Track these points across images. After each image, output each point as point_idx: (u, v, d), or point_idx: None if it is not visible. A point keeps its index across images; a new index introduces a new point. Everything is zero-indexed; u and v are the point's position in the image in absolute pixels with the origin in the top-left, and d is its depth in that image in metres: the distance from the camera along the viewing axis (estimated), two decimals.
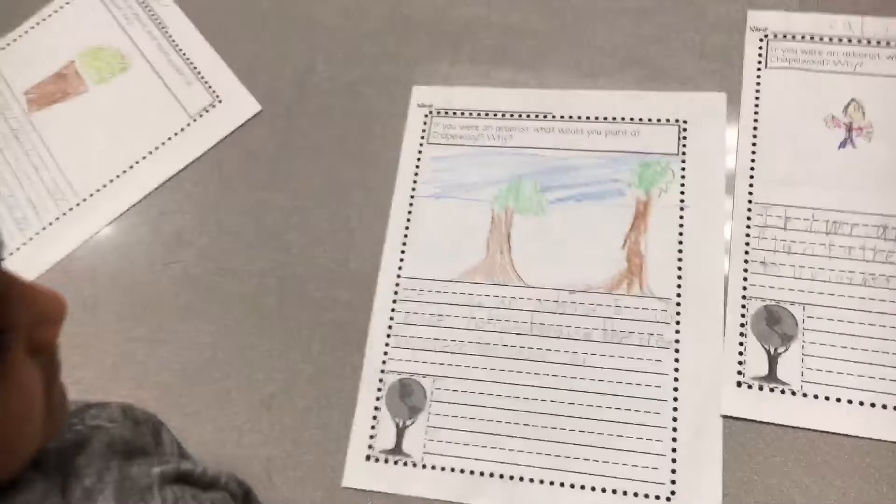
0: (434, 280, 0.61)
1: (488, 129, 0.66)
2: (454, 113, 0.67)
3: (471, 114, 0.66)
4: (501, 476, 0.54)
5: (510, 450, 0.55)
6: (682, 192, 0.61)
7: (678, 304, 0.57)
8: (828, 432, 0.53)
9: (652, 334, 0.57)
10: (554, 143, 0.64)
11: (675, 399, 0.55)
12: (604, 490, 0.53)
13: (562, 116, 0.65)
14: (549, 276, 0.60)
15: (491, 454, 0.55)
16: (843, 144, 0.60)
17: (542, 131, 0.65)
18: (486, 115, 0.66)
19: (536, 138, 0.65)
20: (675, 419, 0.54)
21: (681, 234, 0.60)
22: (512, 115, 0.66)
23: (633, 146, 0.63)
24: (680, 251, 0.59)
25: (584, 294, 0.59)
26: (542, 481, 0.54)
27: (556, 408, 0.56)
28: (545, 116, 0.65)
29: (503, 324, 0.59)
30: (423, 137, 0.66)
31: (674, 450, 0.53)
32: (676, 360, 0.56)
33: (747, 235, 0.59)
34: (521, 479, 0.54)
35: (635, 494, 0.53)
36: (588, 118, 0.65)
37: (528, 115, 0.66)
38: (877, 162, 0.59)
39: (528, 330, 0.58)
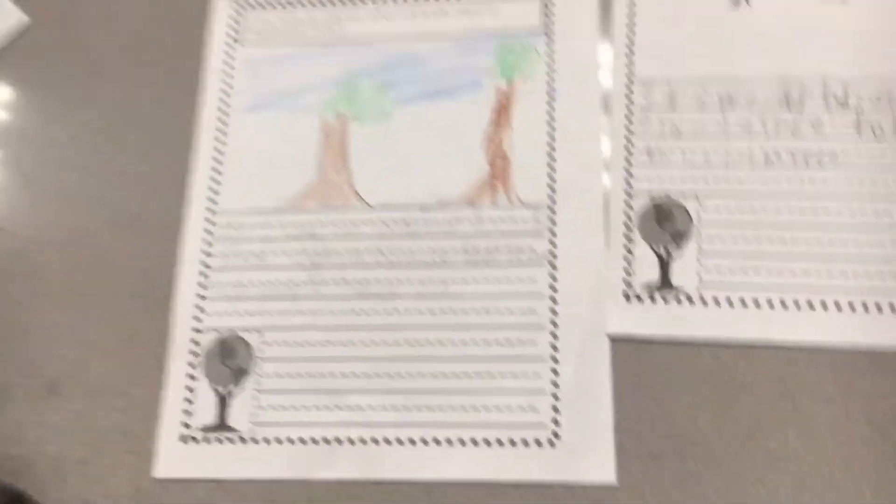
0: (256, 211, 0.49)
1: (313, 20, 0.54)
2: (269, 4, 0.54)
3: (290, 3, 0.54)
4: (353, 441, 0.44)
5: (361, 408, 0.45)
6: (551, 77, 0.50)
7: (551, 211, 0.47)
8: (734, 342, 0.44)
9: (522, 249, 0.47)
10: (394, 31, 0.53)
11: (554, 323, 0.45)
12: (476, 443, 0.44)
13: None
14: (396, 193, 0.49)
15: (338, 416, 0.45)
16: (736, 2, 0.50)
17: (380, 18, 0.53)
18: (310, 2, 0.54)
19: (373, 27, 0.53)
20: (554, 347, 0.45)
21: (551, 126, 0.49)
22: (342, 2, 0.54)
23: (489, 26, 0.52)
24: (551, 147, 0.49)
25: (440, 210, 0.48)
26: (402, 441, 0.44)
27: (414, 352, 0.46)
28: (383, 1, 0.53)
29: (343, 257, 0.48)
30: (233, 38, 0.54)
31: (555, 384, 0.44)
32: (553, 277, 0.46)
33: (628, 120, 0.49)
34: (378, 441, 0.44)
35: (512, 443, 0.43)
36: None
37: (363, 0, 0.54)
38: (776, 19, 0.50)
39: (374, 261, 0.48)
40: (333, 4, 0.54)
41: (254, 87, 0.52)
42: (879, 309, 0.43)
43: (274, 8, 0.54)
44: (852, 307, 0.43)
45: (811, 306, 0.44)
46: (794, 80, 0.48)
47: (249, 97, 0.52)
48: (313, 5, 0.54)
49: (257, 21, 0.54)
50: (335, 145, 0.50)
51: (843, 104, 0.47)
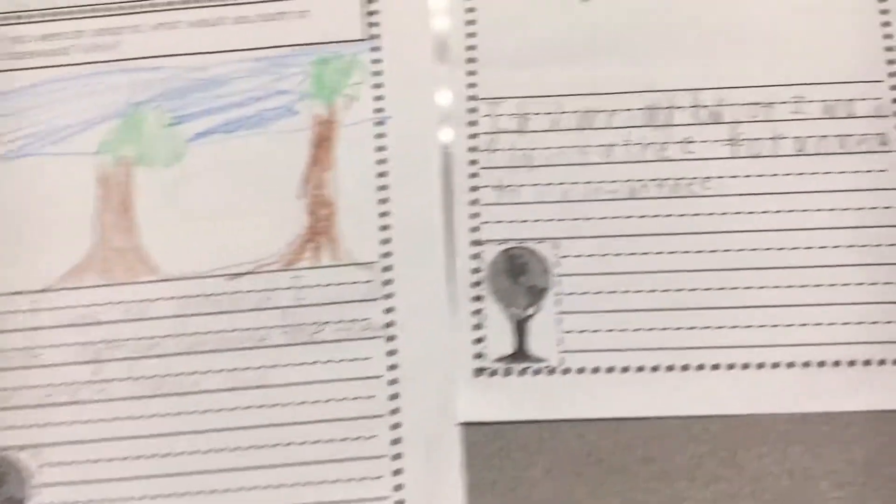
0: (16, 293, 0.39)
1: (81, 35, 0.43)
2: (22, 17, 0.43)
3: (53, 16, 0.43)
4: None
5: None
6: (378, 98, 0.41)
7: (387, 270, 0.39)
8: (603, 419, 0.38)
9: (354, 320, 0.39)
10: (184, 46, 0.42)
11: (394, 411, 0.38)
12: None
13: (188, 2, 0.43)
14: (197, 257, 0.40)
15: None
16: None
17: (164, 28, 0.43)
18: (76, 14, 0.43)
19: (156, 41, 0.42)
20: (395, 440, 0.38)
21: (381, 161, 0.41)
22: (116, 11, 0.43)
23: (301, 35, 0.42)
24: (383, 187, 0.40)
25: (252, 277, 0.39)
26: None
27: (225, 460, 0.37)
28: (168, 6, 0.43)
29: (134, 346, 0.39)
30: None
31: (397, 487, 0.37)
32: (391, 353, 0.38)
33: (472, 150, 0.41)
34: None
35: None
36: None
37: (142, 9, 0.43)
38: (635, 13, 0.42)
39: (173, 348, 0.39)
40: (106, 15, 0.43)
41: (5, 126, 0.41)
42: (761, 366, 0.38)
43: (29, 22, 0.43)
44: (731, 367, 0.38)
45: (685, 368, 0.38)
46: (656, 91, 0.41)
47: (2, 142, 0.41)
48: (80, 16, 0.43)
49: (7, 39, 0.42)
50: (116, 199, 0.40)
51: (716, 119, 0.41)
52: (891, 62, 0.41)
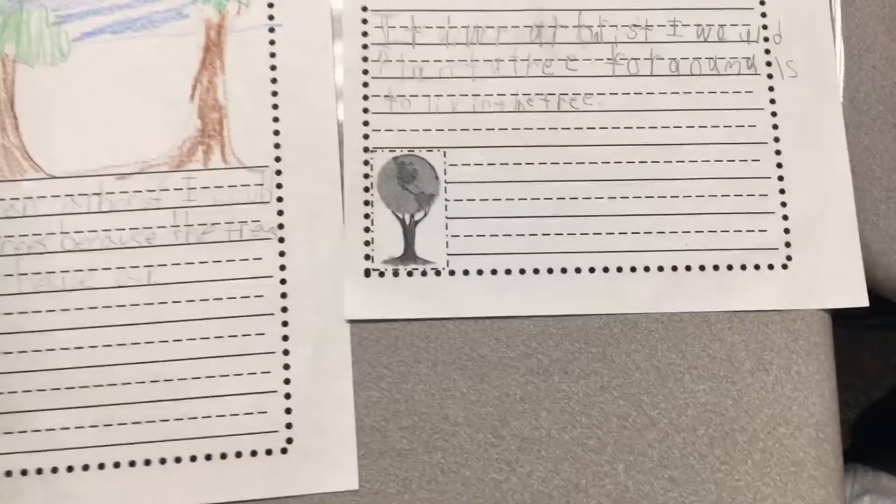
0: None
1: None
2: None
3: None
4: (41, 471, 0.36)
5: (59, 432, 0.37)
6: (270, 4, 0.42)
7: (278, 174, 0.40)
8: (484, 315, 0.40)
9: (245, 222, 0.39)
10: None
11: (284, 309, 0.39)
12: (194, 459, 0.37)
13: None
14: (83, 156, 0.39)
15: (31, 442, 0.37)
16: None
17: None
18: None
19: None
20: (285, 337, 0.38)
21: (273, 67, 0.41)
22: None
23: None
24: (275, 93, 0.41)
25: (140, 177, 0.39)
26: (95, 466, 0.37)
27: (112, 356, 0.38)
28: None
29: (17, 242, 0.38)
30: None
31: (287, 381, 0.38)
32: (282, 255, 0.39)
33: (364, 60, 0.42)
34: (73, 468, 0.37)
35: (238, 454, 0.37)
36: None
37: None
38: None
39: (58, 245, 0.38)
40: None
41: None
42: (634, 270, 0.40)
43: None
44: (606, 270, 0.40)
45: (564, 271, 0.40)
46: (545, 10, 0.42)
47: None
48: None
49: None
50: None
51: (598, 38, 0.43)
52: None
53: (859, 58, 0.43)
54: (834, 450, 0.39)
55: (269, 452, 0.37)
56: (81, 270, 0.38)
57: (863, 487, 0.59)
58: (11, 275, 0.38)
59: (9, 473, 0.36)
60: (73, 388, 0.37)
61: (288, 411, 0.38)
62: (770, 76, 0.42)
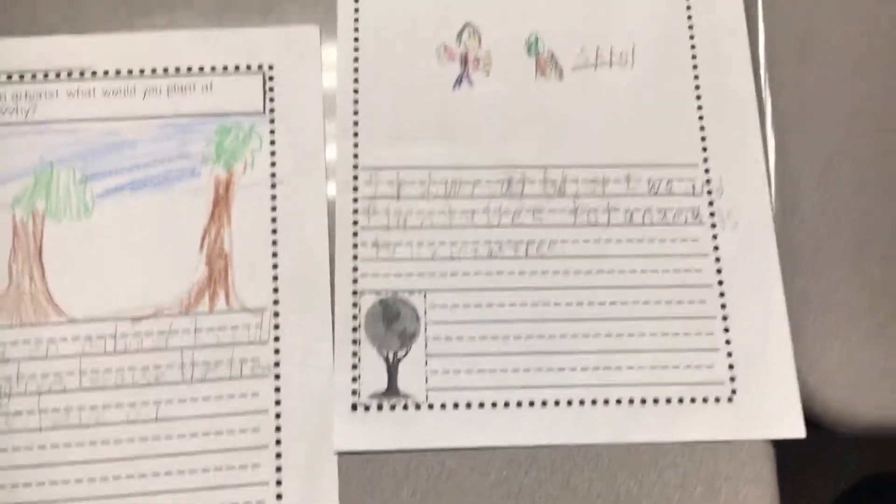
0: None
1: (0, 98, 0.47)
2: None
3: None
4: None
5: None
6: (273, 164, 0.47)
7: (276, 315, 0.45)
8: (459, 447, 0.44)
9: (245, 360, 0.44)
10: (98, 112, 0.47)
11: (278, 442, 0.43)
12: None
13: (106, 72, 0.48)
14: (101, 302, 0.44)
15: None
16: (458, 82, 0.50)
17: (80, 95, 0.47)
18: None
19: (72, 107, 0.47)
20: (278, 469, 0.42)
21: (274, 219, 0.46)
22: (34, 76, 0.47)
23: (206, 106, 0.48)
24: (274, 242, 0.46)
25: (153, 320, 0.44)
26: None
27: (125, 486, 0.42)
28: (82, 74, 0.48)
29: (39, 381, 0.43)
30: None
31: None
32: (277, 391, 0.44)
33: (355, 212, 0.47)
34: None
35: None
36: (142, 72, 0.48)
37: (58, 75, 0.48)
38: (496, 101, 0.49)
39: (76, 385, 0.43)
40: (25, 80, 0.47)
41: None
42: (595, 402, 0.45)
43: None
44: (570, 403, 0.45)
45: (532, 404, 0.45)
46: (514, 167, 0.48)
47: None
48: None
49: None
50: (28, 248, 0.45)
51: (561, 192, 0.48)
52: (704, 150, 0.49)
53: (793, 210, 0.48)
54: None
55: None
56: (96, 407, 0.42)
57: None
58: (33, 412, 0.42)
59: None
60: None
61: None
62: (713, 226, 0.48)
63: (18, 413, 0.42)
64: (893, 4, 0.51)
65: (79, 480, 0.41)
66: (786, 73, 0.50)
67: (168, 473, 0.42)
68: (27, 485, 0.41)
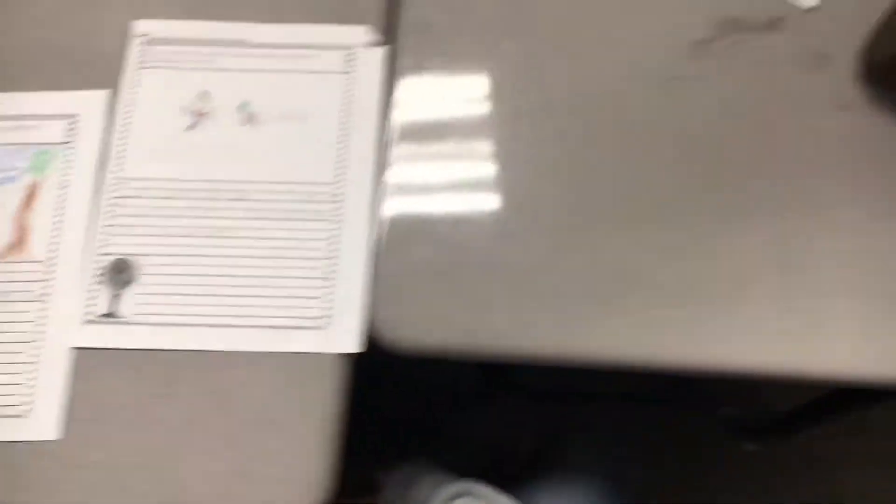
0: None
1: None
2: None
3: None
4: None
5: None
6: (67, 175, 0.76)
7: (52, 264, 0.73)
8: (154, 350, 0.71)
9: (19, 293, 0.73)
10: None
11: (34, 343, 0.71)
12: None
13: None
14: None
15: None
16: (191, 127, 0.78)
17: None
18: None
19: None
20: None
21: (61, 208, 0.75)
22: None
23: (31, 139, 0.78)
24: (58, 221, 0.75)
25: None
26: None
27: None
28: None
29: None
30: None
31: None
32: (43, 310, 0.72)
33: (113, 205, 0.76)
34: None
35: None
36: None
37: None
38: (212, 139, 0.78)
39: None
40: None
41: None
42: (239, 327, 0.72)
43: None
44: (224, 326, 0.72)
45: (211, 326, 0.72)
46: (218, 181, 0.76)
47: None
48: None
49: None
50: None
51: (243, 198, 0.76)
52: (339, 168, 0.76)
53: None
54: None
55: None
56: None
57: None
58: None
59: None
60: None
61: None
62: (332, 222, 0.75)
63: None
64: None
65: None
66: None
67: None
68: None
